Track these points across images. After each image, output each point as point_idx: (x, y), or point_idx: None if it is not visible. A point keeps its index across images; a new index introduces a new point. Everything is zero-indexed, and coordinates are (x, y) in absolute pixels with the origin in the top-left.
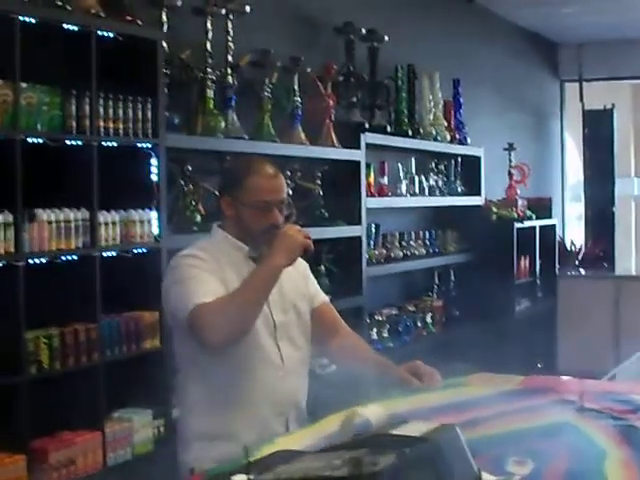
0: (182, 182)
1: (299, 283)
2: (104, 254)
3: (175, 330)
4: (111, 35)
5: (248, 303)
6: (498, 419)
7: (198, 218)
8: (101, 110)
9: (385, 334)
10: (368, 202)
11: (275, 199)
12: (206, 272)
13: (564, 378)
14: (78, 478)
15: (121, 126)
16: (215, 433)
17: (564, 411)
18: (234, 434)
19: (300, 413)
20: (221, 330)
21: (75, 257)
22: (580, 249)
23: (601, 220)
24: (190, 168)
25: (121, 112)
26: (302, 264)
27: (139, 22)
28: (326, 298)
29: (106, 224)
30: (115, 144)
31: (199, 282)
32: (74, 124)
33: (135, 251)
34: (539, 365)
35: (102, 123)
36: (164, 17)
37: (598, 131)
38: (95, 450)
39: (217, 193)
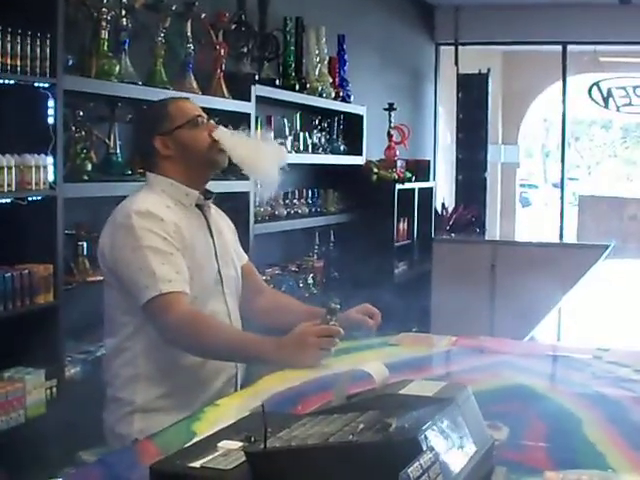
0: (73, 128)
1: (233, 239)
2: None
3: (118, 294)
4: None
5: (217, 353)
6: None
7: (89, 167)
8: None
9: None
10: None
11: (202, 114)
12: (166, 240)
13: (495, 339)
14: None
15: (18, 63)
16: (164, 404)
17: (517, 373)
18: (185, 403)
19: (244, 371)
20: (180, 345)
21: None
22: (452, 213)
23: (472, 185)
24: (82, 113)
25: (19, 48)
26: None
27: None
28: (247, 258)
29: (1, 168)
30: (12, 82)
31: (160, 258)
32: None
33: (30, 198)
34: (414, 330)
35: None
36: None
37: (472, 96)
38: None
39: (143, 141)
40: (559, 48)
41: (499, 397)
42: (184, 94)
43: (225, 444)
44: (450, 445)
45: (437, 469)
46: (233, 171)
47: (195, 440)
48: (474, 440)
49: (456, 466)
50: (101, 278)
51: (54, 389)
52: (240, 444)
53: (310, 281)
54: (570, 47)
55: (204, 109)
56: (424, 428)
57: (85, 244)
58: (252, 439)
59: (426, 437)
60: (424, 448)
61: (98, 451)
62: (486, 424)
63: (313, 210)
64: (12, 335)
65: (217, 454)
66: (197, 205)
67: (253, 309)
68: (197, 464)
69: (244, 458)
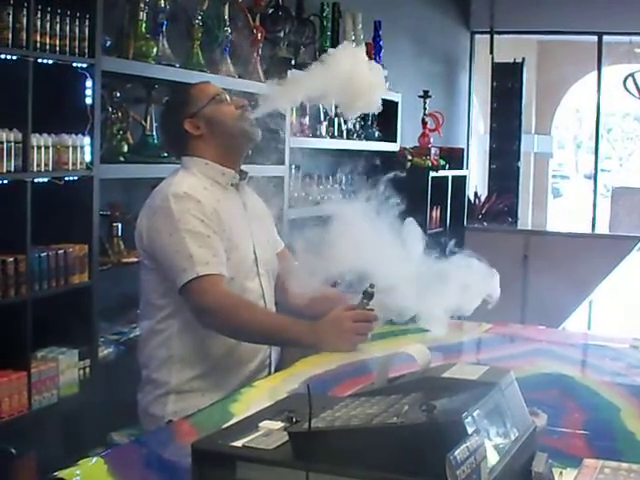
0: (110, 109)
1: (269, 222)
2: (35, 180)
3: (155, 277)
4: None
5: (253, 336)
6: None
7: (126, 148)
8: (38, 24)
9: None
10: (291, 142)
11: (223, 91)
12: (204, 223)
13: (531, 327)
14: (3, 422)
15: (58, 43)
16: (199, 385)
17: (553, 361)
18: (220, 384)
19: (278, 353)
20: (217, 327)
21: (5, 181)
22: (484, 202)
23: (505, 175)
24: (119, 94)
25: (58, 28)
26: (265, 207)
27: None
28: (283, 244)
29: (38, 147)
30: (51, 61)
31: (197, 241)
32: (10, 36)
33: (67, 178)
34: None
35: (39, 38)
36: None
37: (506, 85)
38: (20, 392)
39: (173, 127)
40: (594, 38)
41: (536, 384)
42: (220, 77)
43: (266, 424)
44: (494, 429)
45: (482, 452)
46: (266, 155)
47: (234, 420)
48: (516, 425)
49: (499, 450)
50: (135, 260)
51: (87, 369)
52: (281, 424)
53: None
54: (606, 37)
55: (241, 93)
56: (469, 411)
57: (120, 225)
58: (293, 419)
59: (471, 420)
60: (469, 431)
61: (130, 432)
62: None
63: (347, 196)
64: (46, 315)
65: (259, 434)
66: (233, 185)
67: (288, 296)
68: (239, 443)
69: (286, 438)
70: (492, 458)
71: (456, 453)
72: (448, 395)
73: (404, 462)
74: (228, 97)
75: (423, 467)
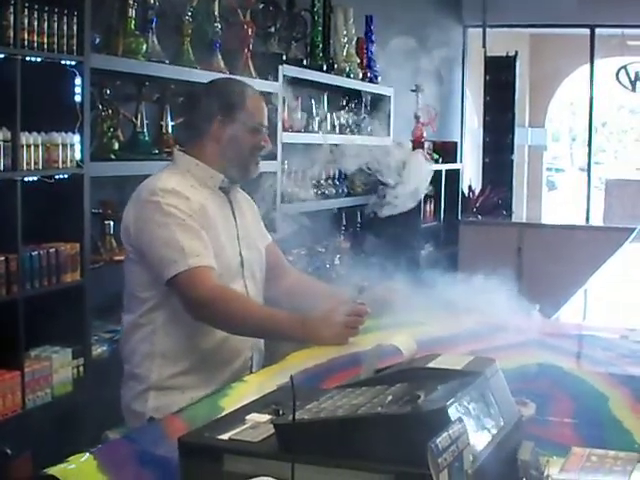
0: (100, 106)
1: (256, 220)
2: (25, 179)
3: (140, 271)
4: None
5: (245, 329)
6: None
7: (116, 146)
8: (26, 21)
9: None
10: (284, 137)
11: (266, 123)
12: (192, 217)
13: (523, 318)
14: None
15: (46, 40)
16: (179, 382)
17: (544, 351)
18: (201, 383)
19: (261, 355)
20: (209, 320)
21: None
22: (478, 196)
23: (499, 168)
24: (109, 92)
25: (46, 25)
26: (251, 201)
27: None
28: (270, 238)
29: (28, 146)
30: (39, 59)
31: (187, 233)
32: None
33: (57, 177)
34: None
35: (27, 35)
36: None
37: (499, 78)
38: (14, 391)
39: (204, 112)
40: (587, 31)
41: (526, 374)
42: (211, 74)
43: (253, 417)
44: (478, 418)
45: (465, 440)
46: None
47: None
48: (502, 414)
49: (484, 439)
50: None
51: (81, 368)
52: (268, 417)
53: (337, 262)
54: (598, 30)
55: None
56: (453, 400)
57: (112, 223)
58: (280, 412)
59: (454, 408)
60: (452, 419)
61: (124, 430)
62: (513, 400)
63: (340, 191)
64: (39, 314)
65: (245, 427)
66: (221, 188)
67: (277, 290)
68: (225, 436)
69: (272, 430)
70: (477, 446)
71: (438, 441)
72: (433, 385)
73: (389, 451)
74: (265, 130)
75: (407, 456)
